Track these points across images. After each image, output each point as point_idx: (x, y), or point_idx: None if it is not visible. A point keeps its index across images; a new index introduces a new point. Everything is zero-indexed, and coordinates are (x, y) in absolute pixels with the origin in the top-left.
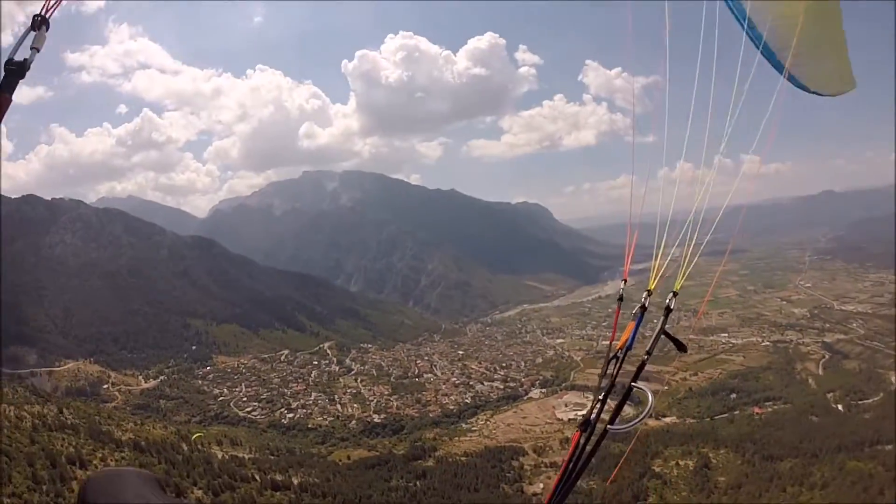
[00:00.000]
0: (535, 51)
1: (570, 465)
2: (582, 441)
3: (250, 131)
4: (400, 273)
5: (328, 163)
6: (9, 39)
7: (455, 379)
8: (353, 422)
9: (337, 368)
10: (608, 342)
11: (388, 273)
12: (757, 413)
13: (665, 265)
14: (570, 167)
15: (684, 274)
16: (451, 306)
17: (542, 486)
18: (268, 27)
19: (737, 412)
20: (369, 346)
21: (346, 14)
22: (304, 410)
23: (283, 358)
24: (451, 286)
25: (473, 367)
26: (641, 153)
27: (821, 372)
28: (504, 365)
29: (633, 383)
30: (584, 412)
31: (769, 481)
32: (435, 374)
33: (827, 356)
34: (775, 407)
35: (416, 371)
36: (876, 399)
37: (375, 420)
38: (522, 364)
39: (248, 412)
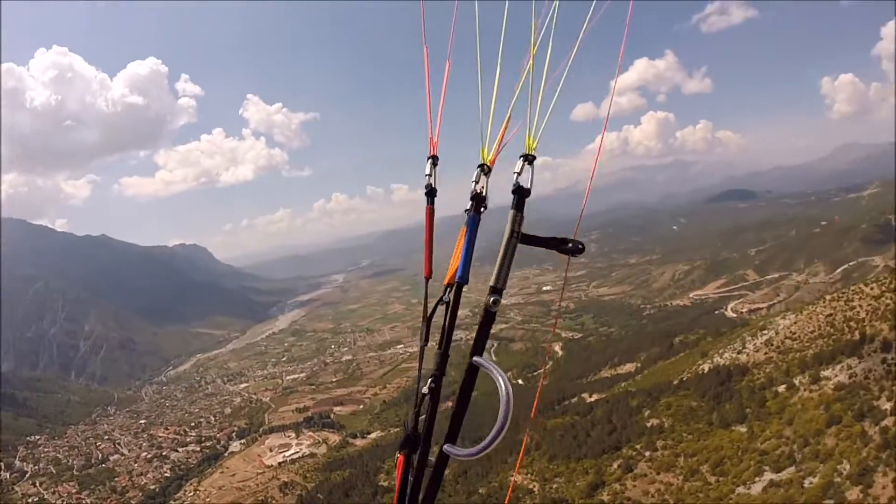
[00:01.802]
0: (198, 81)
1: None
2: (415, 463)
3: None
4: (54, 340)
5: None
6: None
7: (146, 453)
8: None
9: (8, 475)
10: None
11: (41, 342)
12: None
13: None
14: (229, 204)
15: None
16: (120, 370)
17: None
18: None
19: None
20: (37, 437)
21: None
22: None
23: None
24: (114, 347)
25: (161, 434)
26: (299, 186)
27: (494, 358)
28: (193, 424)
29: (474, 358)
30: (407, 422)
31: (488, 460)
32: (122, 454)
33: (496, 344)
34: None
35: (100, 456)
36: (548, 367)
37: None
38: (212, 418)
39: None
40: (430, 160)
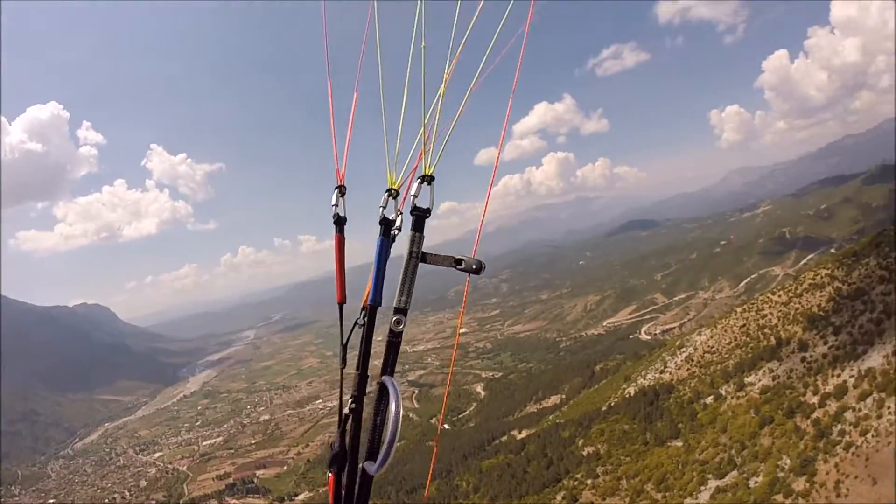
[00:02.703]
0: (101, 128)
1: None
2: (345, 481)
3: None
4: None
5: None
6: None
7: None
8: None
9: None
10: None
11: None
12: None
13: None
14: (132, 260)
15: None
16: (22, 445)
17: None
18: None
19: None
20: None
21: None
22: None
23: None
24: (15, 420)
25: None
26: (205, 240)
27: (417, 405)
28: (107, 501)
29: (384, 377)
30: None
31: None
32: None
33: (416, 391)
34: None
35: None
36: (472, 409)
37: None
38: (127, 493)
39: None
40: (336, 189)
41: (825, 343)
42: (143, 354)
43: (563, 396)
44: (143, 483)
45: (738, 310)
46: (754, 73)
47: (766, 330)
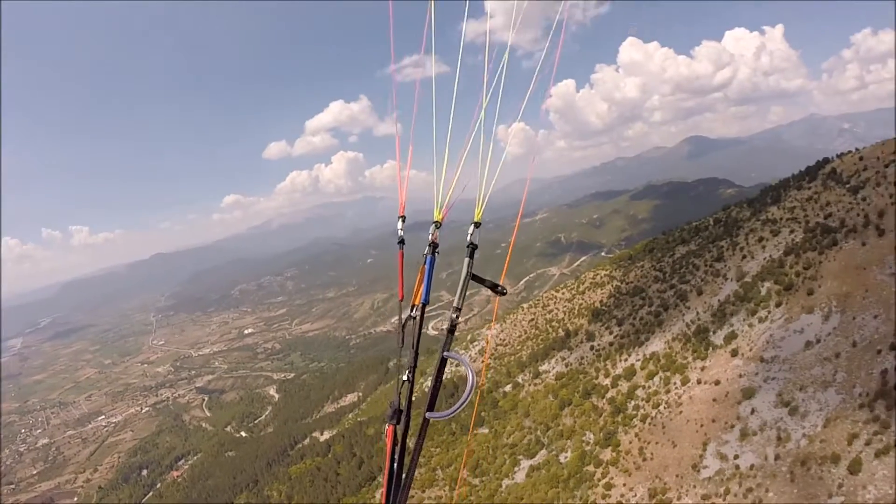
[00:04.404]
0: None
1: (394, 466)
2: (399, 434)
3: None
4: None
5: None
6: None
7: None
8: None
9: None
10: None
11: None
12: (177, 476)
13: None
14: None
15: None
16: None
17: None
18: None
19: (159, 485)
20: None
21: None
22: None
23: None
24: None
25: None
26: None
27: (208, 413)
28: None
29: (445, 353)
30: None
31: None
32: None
33: (206, 398)
34: (190, 462)
35: None
36: (268, 413)
37: None
38: None
39: None
40: (400, 219)
41: (611, 333)
42: None
43: (360, 394)
44: None
45: (525, 306)
46: (538, 100)
47: (553, 323)
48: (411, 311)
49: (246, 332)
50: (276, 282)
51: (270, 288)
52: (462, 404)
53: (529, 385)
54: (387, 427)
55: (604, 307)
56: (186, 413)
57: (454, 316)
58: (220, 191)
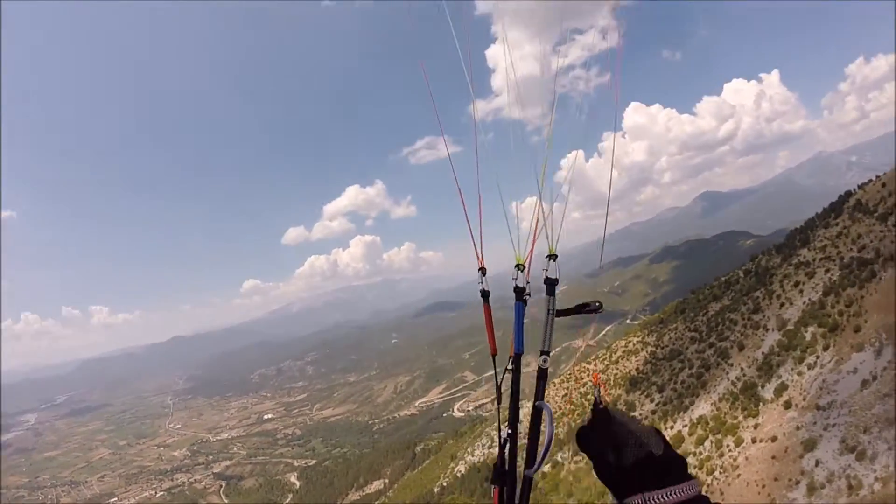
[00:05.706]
0: None
1: None
2: (507, 496)
3: None
4: None
5: None
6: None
7: None
8: None
9: None
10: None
11: None
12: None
13: None
14: None
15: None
16: None
17: None
18: None
19: None
20: None
21: None
22: None
23: None
24: None
25: None
26: None
27: (226, 500)
28: None
29: (537, 402)
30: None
31: None
32: None
33: (223, 484)
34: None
35: None
36: (288, 501)
37: None
38: None
39: None
40: (480, 271)
41: (652, 401)
42: None
43: (387, 481)
44: None
45: (556, 381)
46: (552, 169)
47: (589, 396)
48: (508, 362)
49: (265, 416)
50: (296, 366)
51: (290, 372)
52: (546, 454)
53: (569, 463)
54: (493, 490)
55: (641, 374)
56: (203, 499)
57: (541, 360)
58: (240, 276)
